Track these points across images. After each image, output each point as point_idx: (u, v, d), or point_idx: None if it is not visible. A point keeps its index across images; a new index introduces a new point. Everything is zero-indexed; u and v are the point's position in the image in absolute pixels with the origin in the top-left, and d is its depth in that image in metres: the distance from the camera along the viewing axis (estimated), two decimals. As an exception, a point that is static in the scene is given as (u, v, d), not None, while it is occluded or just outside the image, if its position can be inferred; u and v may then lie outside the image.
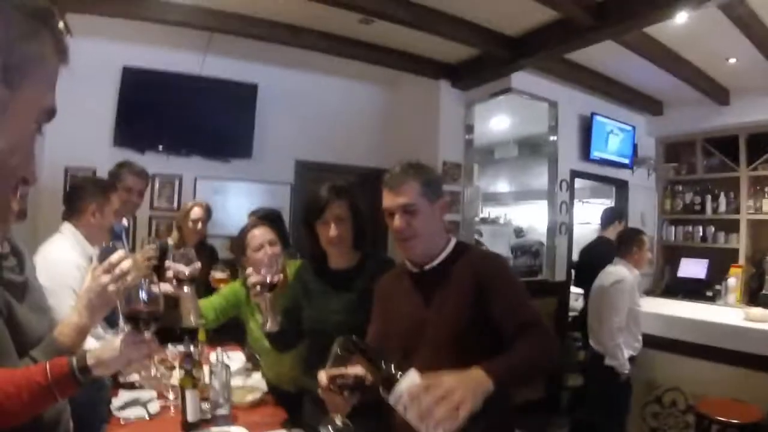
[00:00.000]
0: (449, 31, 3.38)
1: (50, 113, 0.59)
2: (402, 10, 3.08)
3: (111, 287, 1.04)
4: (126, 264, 1.07)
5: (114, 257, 1.07)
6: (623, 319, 2.86)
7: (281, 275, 1.29)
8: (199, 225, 2.96)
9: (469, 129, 4.21)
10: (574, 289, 4.50)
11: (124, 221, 2.75)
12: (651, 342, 3.09)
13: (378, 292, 1.51)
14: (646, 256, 3.06)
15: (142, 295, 1.02)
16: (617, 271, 2.96)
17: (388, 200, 1.36)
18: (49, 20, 0.56)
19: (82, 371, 0.92)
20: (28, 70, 0.54)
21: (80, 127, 3.57)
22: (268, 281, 1.51)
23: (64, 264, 1.68)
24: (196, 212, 2.97)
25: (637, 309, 2.93)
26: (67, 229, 1.86)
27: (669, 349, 3.16)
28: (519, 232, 4.40)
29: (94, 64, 3.67)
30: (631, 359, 2.87)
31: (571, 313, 4.42)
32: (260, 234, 1.97)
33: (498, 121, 4.54)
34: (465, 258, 1.37)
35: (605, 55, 3.63)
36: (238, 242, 1.98)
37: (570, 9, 2.96)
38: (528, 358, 1.15)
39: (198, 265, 1.67)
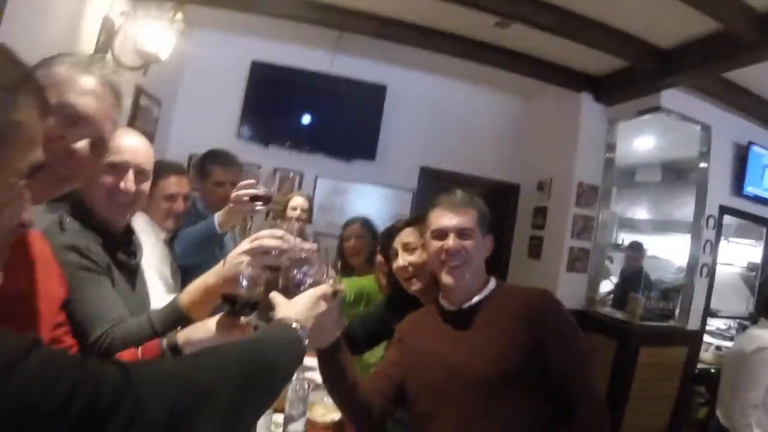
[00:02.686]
0: (594, 39, 3.18)
1: (38, 167, 0.62)
2: (542, 14, 2.93)
3: (244, 258, 1.00)
4: (269, 242, 1.01)
5: (263, 232, 1.04)
6: (761, 394, 2.36)
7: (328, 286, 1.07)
8: (298, 212, 2.78)
9: (611, 148, 3.98)
10: (707, 338, 4.00)
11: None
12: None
13: (403, 332, 1.47)
14: None
15: (245, 279, 0.98)
16: (762, 336, 2.44)
17: (444, 219, 1.34)
18: (24, 86, 0.59)
19: (172, 349, 0.96)
20: (7, 139, 0.56)
21: (207, 117, 3.71)
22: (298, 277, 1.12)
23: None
24: (297, 200, 2.84)
25: None
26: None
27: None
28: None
29: (224, 57, 3.79)
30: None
31: (699, 365, 3.97)
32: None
33: (642, 141, 4.15)
34: (508, 297, 1.34)
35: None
36: (385, 242, 1.80)
37: (734, 19, 2.65)
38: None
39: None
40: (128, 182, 1.16)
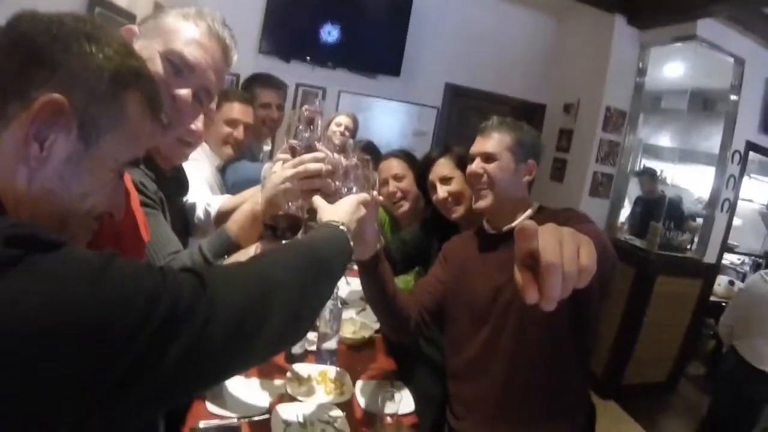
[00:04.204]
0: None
1: (134, 163, 0.65)
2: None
3: (288, 184, 0.99)
4: (314, 166, 1.00)
5: (307, 156, 1.02)
6: None
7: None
8: (342, 129, 2.71)
9: (641, 73, 3.93)
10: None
11: (265, 147, 2.56)
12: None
13: (447, 252, 1.53)
14: None
15: (289, 204, 1.00)
16: None
17: (475, 145, 1.41)
18: (134, 82, 0.60)
19: None
20: (106, 129, 0.58)
21: None
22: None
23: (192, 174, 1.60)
24: (341, 118, 2.80)
25: None
26: None
27: None
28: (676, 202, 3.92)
29: None
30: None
31: (712, 298, 4.06)
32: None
33: (672, 67, 4.05)
34: (545, 219, 1.25)
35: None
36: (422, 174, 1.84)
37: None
38: (596, 233, 1.07)
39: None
40: (199, 122, 1.19)
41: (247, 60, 3.55)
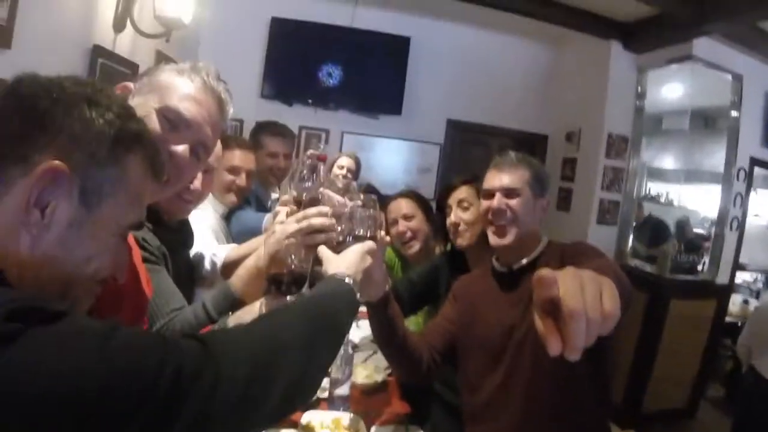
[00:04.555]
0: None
1: (137, 226, 0.65)
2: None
3: (293, 240, 1.00)
4: (318, 221, 1.01)
5: (311, 210, 1.03)
6: None
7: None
8: (344, 172, 2.75)
9: (640, 96, 3.95)
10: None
11: (274, 195, 2.50)
12: None
13: (457, 291, 1.52)
14: None
15: (293, 259, 0.99)
16: None
17: (493, 180, 1.39)
18: (136, 145, 0.61)
19: None
20: (108, 193, 0.58)
21: (228, 78, 3.54)
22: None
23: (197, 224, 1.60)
24: (343, 161, 2.82)
25: None
26: None
27: None
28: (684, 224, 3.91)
29: (243, 15, 3.69)
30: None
31: (727, 318, 4.04)
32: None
33: (671, 88, 4.07)
34: (555, 254, 1.34)
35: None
36: (442, 198, 1.86)
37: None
38: (613, 270, 1.02)
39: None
40: (197, 181, 1.20)
41: (249, 104, 3.60)
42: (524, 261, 1.37)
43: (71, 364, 0.42)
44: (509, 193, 1.36)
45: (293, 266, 0.99)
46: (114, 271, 0.63)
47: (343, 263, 0.93)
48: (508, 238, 1.35)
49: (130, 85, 0.90)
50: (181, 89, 0.91)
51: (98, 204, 0.57)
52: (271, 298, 1.00)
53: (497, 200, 1.36)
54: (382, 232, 1.09)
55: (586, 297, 0.50)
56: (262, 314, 0.73)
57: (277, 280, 1.00)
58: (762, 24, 3.31)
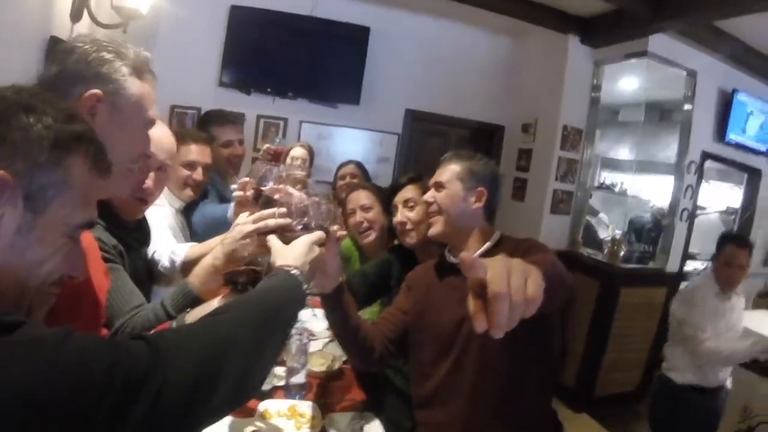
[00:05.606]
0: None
1: (87, 225, 0.66)
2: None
3: (248, 240, 1.05)
4: (273, 222, 1.04)
5: (266, 212, 1.06)
6: None
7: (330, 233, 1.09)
8: (298, 162, 2.75)
9: (596, 89, 4.04)
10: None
11: (233, 186, 2.56)
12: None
13: (411, 281, 1.57)
14: (729, 274, 2.54)
15: (249, 257, 1.05)
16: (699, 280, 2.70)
17: (432, 178, 1.50)
18: (77, 146, 0.61)
19: None
20: (53, 196, 0.59)
21: (187, 67, 3.62)
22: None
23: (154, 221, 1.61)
24: (297, 151, 2.83)
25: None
26: None
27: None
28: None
29: (202, 2, 3.59)
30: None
31: None
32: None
33: (626, 82, 4.18)
34: (508, 248, 1.38)
35: (760, 25, 3.25)
36: (389, 197, 1.92)
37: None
38: (551, 263, 1.07)
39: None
40: (150, 180, 1.22)
41: (207, 93, 3.59)
42: (476, 254, 1.40)
43: (24, 373, 0.44)
44: (438, 186, 1.46)
45: (250, 265, 1.03)
46: (69, 271, 0.65)
47: (290, 254, 0.95)
48: (436, 228, 1.44)
49: (99, 92, 0.88)
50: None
51: (44, 208, 0.58)
52: (228, 297, 1.04)
53: (428, 194, 1.47)
54: (336, 226, 1.13)
55: (511, 281, 0.56)
56: (209, 312, 0.75)
57: (234, 279, 1.03)
58: (717, 23, 3.40)
